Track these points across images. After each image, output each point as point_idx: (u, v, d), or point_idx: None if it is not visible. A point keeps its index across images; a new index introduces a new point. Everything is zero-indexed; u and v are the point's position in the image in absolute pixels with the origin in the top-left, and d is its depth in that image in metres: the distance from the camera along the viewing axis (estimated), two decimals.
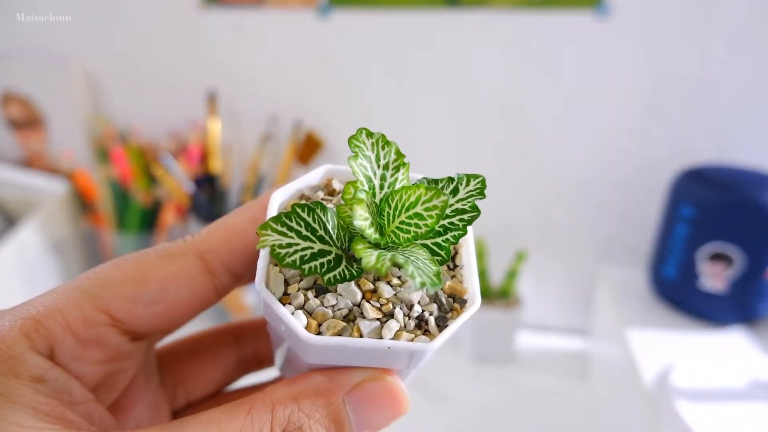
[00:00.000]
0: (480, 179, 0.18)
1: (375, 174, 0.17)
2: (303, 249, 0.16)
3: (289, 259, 0.16)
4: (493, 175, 0.66)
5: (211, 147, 0.67)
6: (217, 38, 0.67)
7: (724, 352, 0.47)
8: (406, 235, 0.16)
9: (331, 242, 0.17)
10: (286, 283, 0.17)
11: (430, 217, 0.16)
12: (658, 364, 0.45)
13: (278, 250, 0.16)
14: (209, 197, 0.67)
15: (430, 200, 0.16)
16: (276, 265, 0.17)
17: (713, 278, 0.49)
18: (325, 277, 0.16)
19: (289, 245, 0.16)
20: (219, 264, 0.19)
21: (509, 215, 0.67)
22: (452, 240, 0.17)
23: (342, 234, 0.17)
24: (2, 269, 0.61)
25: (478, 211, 0.18)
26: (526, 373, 0.63)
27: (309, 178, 0.20)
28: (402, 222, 0.17)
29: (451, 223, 0.18)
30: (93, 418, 0.18)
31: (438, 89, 0.63)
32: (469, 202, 0.18)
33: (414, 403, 0.61)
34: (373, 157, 0.17)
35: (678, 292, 0.52)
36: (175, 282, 0.18)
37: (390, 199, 0.17)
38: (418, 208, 0.16)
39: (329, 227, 0.17)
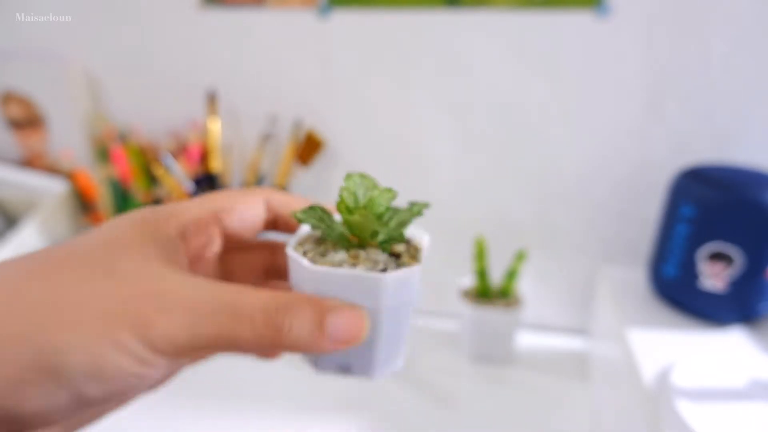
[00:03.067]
0: (426, 203, 0.28)
1: (359, 191, 0.27)
2: (315, 221, 0.27)
3: (306, 220, 0.26)
4: (492, 175, 0.66)
5: (211, 146, 0.67)
6: (217, 38, 0.67)
7: (724, 352, 0.47)
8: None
9: (334, 231, 0.27)
10: (305, 254, 0.26)
11: (385, 200, 0.27)
12: (658, 363, 0.45)
13: (300, 217, 0.26)
14: None
15: (386, 193, 0.27)
16: (299, 245, 0.27)
17: (713, 278, 0.49)
18: (327, 231, 0.26)
19: (307, 217, 0.26)
20: (273, 207, 0.30)
21: (509, 215, 0.67)
22: (407, 222, 0.27)
23: (343, 240, 0.26)
24: None
25: (425, 205, 0.27)
26: (526, 373, 0.63)
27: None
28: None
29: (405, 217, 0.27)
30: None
31: (438, 89, 0.63)
32: (419, 206, 0.28)
33: (414, 403, 0.61)
34: (359, 182, 0.27)
35: (678, 292, 0.52)
36: (253, 208, 0.29)
37: (368, 201, 0.27)
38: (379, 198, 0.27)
39: (335, 227, 0.27)
